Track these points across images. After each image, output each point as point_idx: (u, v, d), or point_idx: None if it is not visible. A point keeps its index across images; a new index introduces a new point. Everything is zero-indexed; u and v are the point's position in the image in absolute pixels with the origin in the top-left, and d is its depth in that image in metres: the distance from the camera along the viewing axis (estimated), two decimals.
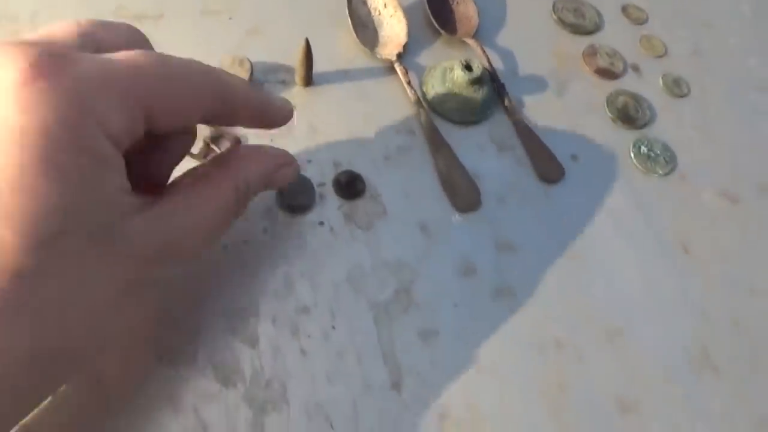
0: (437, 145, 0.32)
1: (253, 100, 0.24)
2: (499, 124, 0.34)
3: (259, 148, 0.25)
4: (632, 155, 0.34)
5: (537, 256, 0.30)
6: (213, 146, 0.30)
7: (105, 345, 0.21)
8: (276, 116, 0.25)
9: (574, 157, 0.33)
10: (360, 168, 0.31)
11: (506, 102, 0.34)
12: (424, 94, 0.34)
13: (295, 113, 0.26)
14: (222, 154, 0.25)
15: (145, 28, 0.23)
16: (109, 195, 0.18)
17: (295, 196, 0.29)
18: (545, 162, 0.32)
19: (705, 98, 0.38)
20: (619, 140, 0.35)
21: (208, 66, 0.22)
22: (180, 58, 0.21)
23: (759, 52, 0.40)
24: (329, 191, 0.30)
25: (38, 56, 0.17)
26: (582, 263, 0.30)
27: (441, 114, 0.33)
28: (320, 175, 0.30)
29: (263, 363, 0.25)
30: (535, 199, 0.32)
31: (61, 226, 0.17)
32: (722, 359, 0.28)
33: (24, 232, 0.16)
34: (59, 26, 0.20)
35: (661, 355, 0.28)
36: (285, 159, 0.25)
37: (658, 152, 0.34)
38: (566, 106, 0.35)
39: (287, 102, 0.26)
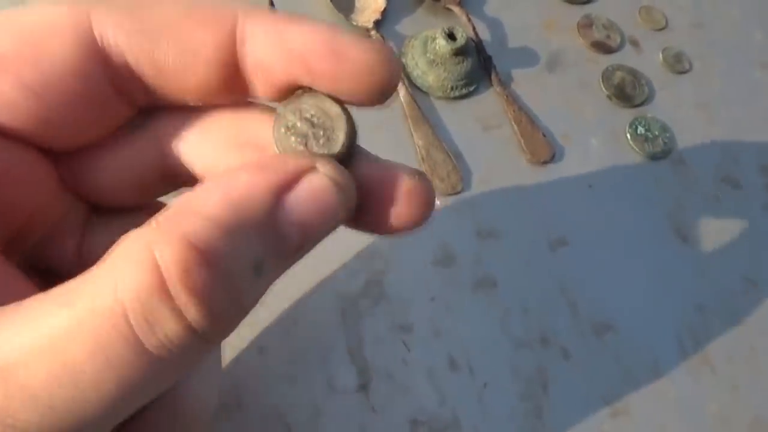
0: (416, 121, 0.29)
1: None
2: (485, 99, 0.31)
3: None
4: (628, 136, 0.31)
5: (522, 243, 0.27)
6: None
7: None
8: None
9: (565, 137, 0.31)
10: None
11: (493, 76, 0.31)
12: (403, 66, 0.31)
13: None
14: None
15: None
16: None
17: None
18: (535, 142, 0.30)
19: (707, 75, 0.35)
20: (615, 119, 0.32)
21: None
22: None
23: (764, 25, 0.38)
24: None
25: None
26: (570, 251, 0.28)
27: (421, 88, 0.30)
28: None
29: None
30: (523, 182, 0.29)
31: None
32: (718, 355, 0.26)
33: None
34: None
35: (652, 350, 0.26)
36: None
37: (657, 133, 0.32)
38: (558, 82, 0.32)
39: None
